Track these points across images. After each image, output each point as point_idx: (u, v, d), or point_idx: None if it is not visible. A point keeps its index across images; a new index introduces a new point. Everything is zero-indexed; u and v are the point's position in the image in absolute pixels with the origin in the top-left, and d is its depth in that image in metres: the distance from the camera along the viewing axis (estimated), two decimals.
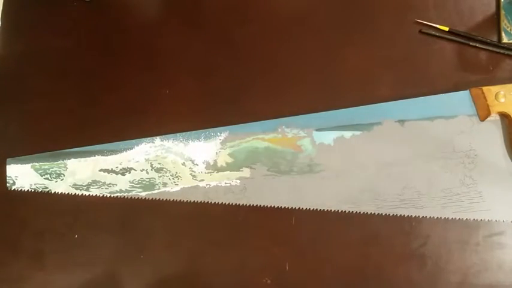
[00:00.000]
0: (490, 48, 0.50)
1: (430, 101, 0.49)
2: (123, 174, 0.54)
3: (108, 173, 0.54)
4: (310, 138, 0.51)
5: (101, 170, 0.54)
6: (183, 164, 0.53)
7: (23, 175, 0.55)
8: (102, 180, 0.54)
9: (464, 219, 0.48)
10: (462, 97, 0.49)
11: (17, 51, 0.58)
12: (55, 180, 0.55)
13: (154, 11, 0.58)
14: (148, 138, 0.53)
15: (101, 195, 0.54)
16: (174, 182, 0.53)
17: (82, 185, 0.54)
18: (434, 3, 0.52)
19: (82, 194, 0.54)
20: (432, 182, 0.48)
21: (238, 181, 0.52)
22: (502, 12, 0.50)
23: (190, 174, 0.53)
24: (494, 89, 0.47)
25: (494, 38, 0.50)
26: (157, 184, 0.53)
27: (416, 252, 0.49)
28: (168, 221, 0.53)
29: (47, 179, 0.55)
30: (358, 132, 0.50)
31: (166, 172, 0.53)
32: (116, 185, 0.54)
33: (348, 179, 0.50)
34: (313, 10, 0.54)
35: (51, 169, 0.55)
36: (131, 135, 0.54)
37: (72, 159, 0.55)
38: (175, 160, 0.53)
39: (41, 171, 0.55)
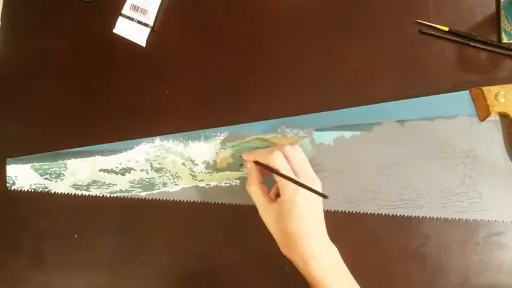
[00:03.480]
0: (490, 48, 0.50)
1: (430, 101, 0.49)
2: (123, 174, 0.54)
3: (108, 173, 0.54)
4: (310, 138, 0.51)
5: (100, 170, 0.54)
6: (183, 164, 0.53)
7: (23, 175, 0.55)
8: (102, 180, 0.54)
9: (464, 219, 0.48)
10: (462, 97, 0.49)
11: (17, 51, 0.58)
12: (55, 180, 0.55)
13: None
14: (148, 138, 0.53)
15: (101, 195, 0.54)
16: (174, 182, 0.53)
17: (82, 185, 0.54)
18: (434, 3, 0.52)
19: (82, 194, 0.54)
20: (432, 182, 0.48)
21: (238, 181, 0.52)
22: (502, 12, 0.50)
23: (190, 174, 0.53)
24: (494, 89, 0.47)
25: (494, 38, 0.50)
26: (157, 184, 0.53)
27: (416, 252, 0.49)
28: (168, 221, 0.53)
29: (47, 179, 0.55)
30: (358, 132, 0.50)
31: (166, 172, 0.53)
32: (116, 185, 0.54)
33: (348, 179, 0.50)
34: (313, 10, 0.54)
35: (51, 169, 0.55)
36: (131, 135, 0.54)
37: (72, 159, 0.55)
38: (175, 160, 0.53)
39: (41, 171, 0.55)
